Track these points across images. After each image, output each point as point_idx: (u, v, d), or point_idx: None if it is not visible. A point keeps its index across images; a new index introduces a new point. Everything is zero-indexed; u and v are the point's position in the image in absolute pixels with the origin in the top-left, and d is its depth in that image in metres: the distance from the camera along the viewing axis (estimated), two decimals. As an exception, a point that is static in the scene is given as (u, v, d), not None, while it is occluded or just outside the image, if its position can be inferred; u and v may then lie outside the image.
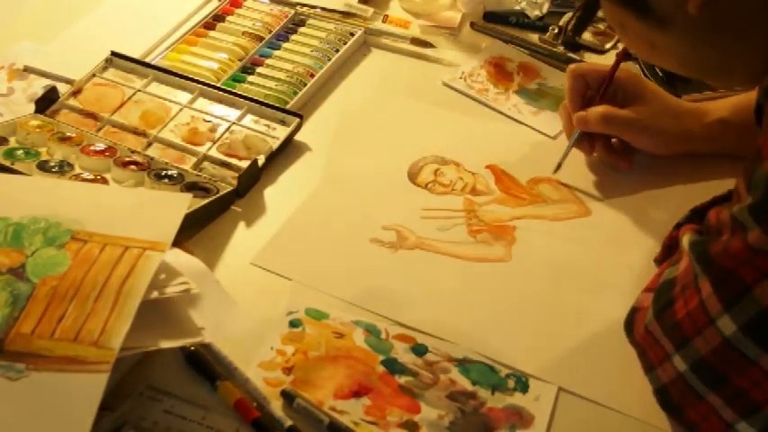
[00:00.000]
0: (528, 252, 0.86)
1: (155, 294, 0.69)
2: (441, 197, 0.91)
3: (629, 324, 0.75)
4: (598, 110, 0.92)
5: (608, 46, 1.11)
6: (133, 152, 0.92)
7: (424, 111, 1.03)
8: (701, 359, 0.65)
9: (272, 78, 1.04)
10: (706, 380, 0.66)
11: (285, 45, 1.10)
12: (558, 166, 0.94)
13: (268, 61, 1.08)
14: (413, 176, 0.93)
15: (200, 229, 0.86)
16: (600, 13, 0.83)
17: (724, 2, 0.68)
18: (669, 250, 0.81)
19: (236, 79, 1.05)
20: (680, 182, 0.94)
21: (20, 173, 0.87)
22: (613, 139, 0.95)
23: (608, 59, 1.10)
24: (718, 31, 0.70)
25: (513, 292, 0.82)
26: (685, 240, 0.71)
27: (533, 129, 1.01)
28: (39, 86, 1.02)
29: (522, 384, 0.73)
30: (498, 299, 0.81)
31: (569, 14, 0.89)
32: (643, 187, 0.94)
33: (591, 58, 1.11)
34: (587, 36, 1.13)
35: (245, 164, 0.91)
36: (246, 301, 0.77)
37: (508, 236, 0.88)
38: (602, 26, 1.15)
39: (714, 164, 0.95)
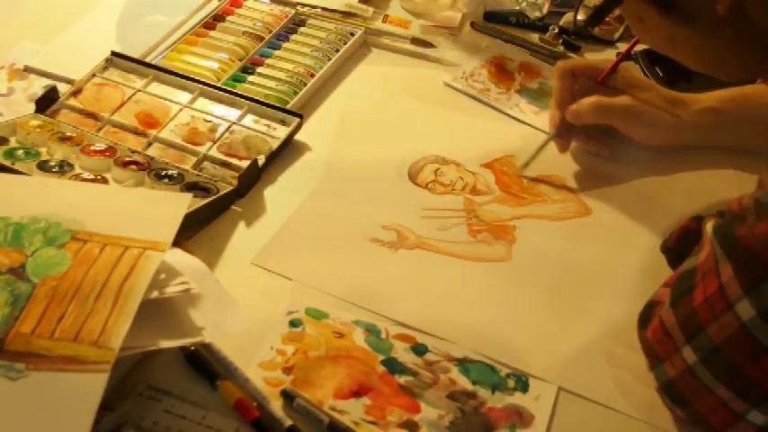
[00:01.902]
0: (528, 251, 0.86)
1: (155, 294, 0.69)
2: (441, 197, 0.91)
3: (645, 318, 0.74)
4: (590, 100, 0.93)
5: (616, 36, 1.10)
6: (133, 152, 0.92)
7: (424, 111, 1.03)
8: (713, 350, 0.65)
9: (273, 78, 1.04)
10: (716, 372, 0.65)
11: (285, 45, 1.10)
12: (526, 165, 0.94)
13: (268, 61, 1.08)
14: (413, 176, 0.94)
15: (200, 229, 0.86)
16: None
17: (751, 5, 0.67)
18: (682, 239, 0.80)
19: (236, 79, 1.05)
20: (681, 181, 0.94)
21: (20, 173, 0.87)
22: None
23: (609, 55, 1.11)
24: (740, 33, 0.70)
25: (513, 291, 0.82)
26: (709, 226, 0.70)
27: (536, 128, 1.01)
28: (39, 86, 1.02)
29: (523, 384, 0.73)
30: (499, 298, 0.81)
31: (578, 6, 0.91)
32: (644, 187, 0.94)
33: (590, 57, 1.11)
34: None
35: (245, 164, 0.91)
36: (246, 301, 0.77)
37: (508, 235, 0.88)
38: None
39: (715, 163, 0.95)
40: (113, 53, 1.04)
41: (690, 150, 0.96)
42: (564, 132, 0.95)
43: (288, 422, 0.68)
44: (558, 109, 0.95)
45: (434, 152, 0.96)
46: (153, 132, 0.95)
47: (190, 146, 0.94)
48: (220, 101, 1.00)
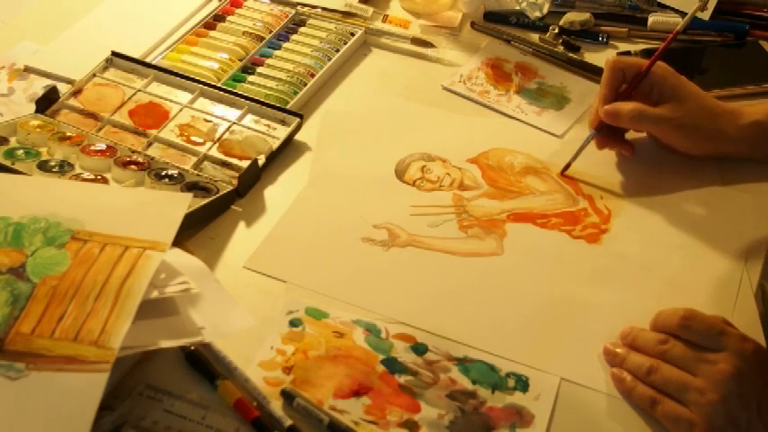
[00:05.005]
0: (520, 244, 0.86)
1: (155, 294, 0.70)
2: (429, 194, 0.91)
3: None
4: (629, 106, 0.91)
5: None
6: (133, 152, 0.92)
7: (423, 111, 1.03)
8: None
9: (273, 78, 1.04)
10: None
11: (285, 45, 1.10)
12: (567, 166, 0.94)
13: (268, 61, 1.08)
14: (400, 174, 0.94)
15: (200, 229, 0.86)
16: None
17: None
18: None
19: (236, 79, 1.05)
20: (675, 173, 0.94)
21: (20, 173, 0.87)
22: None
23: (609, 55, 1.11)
24: None
25: (507, 284, 0.82)
26: None
27: (540, 129, 1.01)
28: (39, 86, 1.02)
29: (523, 383, 0.73)
30: (494, 292, 0.81)
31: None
32: (636, 177, 0.94)
33: (590, 57, 1.11)
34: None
35: (245, 164, 0.91)
36: (246, 301, 0.78)
37: (499, 229, 0.88)
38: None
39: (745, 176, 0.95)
40: (113, 53, 1.04)
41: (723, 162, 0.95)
42: (603, 128, 0.94)
43: (288, 422, 0.68)
44: (600, 104, 0.93)
45: (429, 151, 0.96)
46: (153, 132, 0.95)
47: (190, 146, 0.94)
48: (220, 101, 1.00)
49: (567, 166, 0.94)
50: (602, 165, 0.95)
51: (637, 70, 0.93)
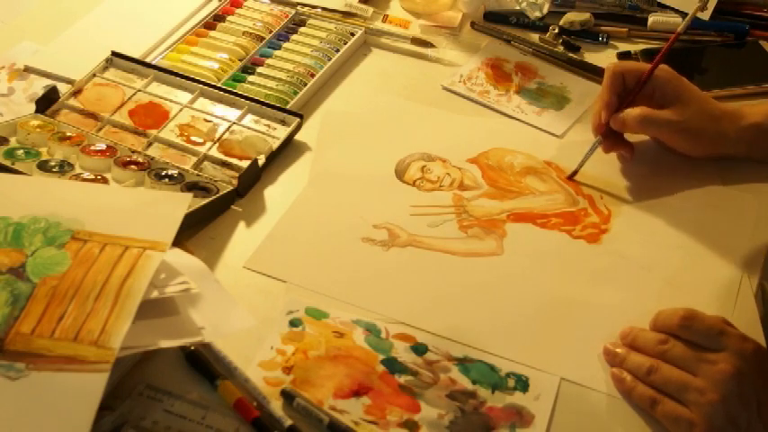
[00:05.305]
0: (520, 244, 0.86)
1: (155, 294, 0.70)
2: (429, 194, 0.91)
3: None
4: (636, 111, 0.92)
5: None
6: (133, 152, 0.92)
7: (423, 111, 1.03)
8: None
9: (273, 78, 1.04)
10: None
11: (285, 45, 1.10)
12: (575, 172, 0.94)
13: (268, 61, 1.08)
14: (400, 174, 0.94)
15: (200, 229, 0.86)
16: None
17: None
18: None
19: (236, 79, 1.05)
20: (675, 173, 0.94)
21: (20, 173, 0.87)
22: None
23: (609, 55, 1.11)
24: None
25: (507, 284, 0.82)
26: None
27: (539, 129, 1.01)
28: (39, 86, 1.02)
29: (523, 383, 0.73)
30: (494, 292, 0.81)
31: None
32: (636, 177, 0.94)
33: (590, 57, 1.11)
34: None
35: (245, 164, 0.91)
36: (246, 301, 0.78)
37: (499, 229, 0.88)
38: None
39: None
40: (113, 53, 1.04)
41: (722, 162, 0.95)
42: (609, 133, 0.94)
43: (288, 422, 0.68)
44: (604, 110, 0.93)
45: (429, 151, 0.96)
46: (153, 132, 0.95)
47: (190, 146, 0.94)
48: (220, 101, 1.00)
49: (575, 172, 0.94)
50: (602, 165, 0.95)
51: (637, 74, 0.93)
